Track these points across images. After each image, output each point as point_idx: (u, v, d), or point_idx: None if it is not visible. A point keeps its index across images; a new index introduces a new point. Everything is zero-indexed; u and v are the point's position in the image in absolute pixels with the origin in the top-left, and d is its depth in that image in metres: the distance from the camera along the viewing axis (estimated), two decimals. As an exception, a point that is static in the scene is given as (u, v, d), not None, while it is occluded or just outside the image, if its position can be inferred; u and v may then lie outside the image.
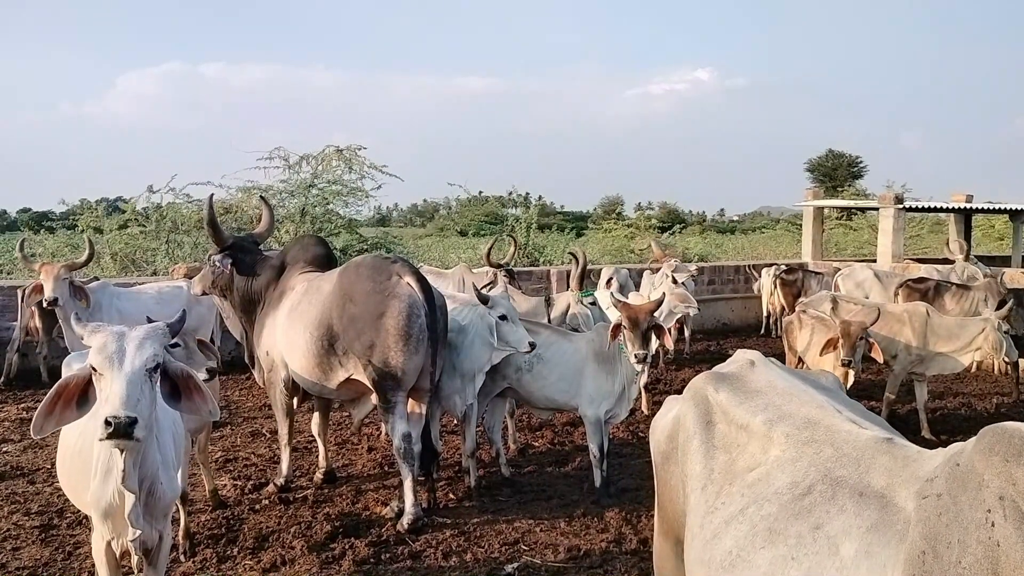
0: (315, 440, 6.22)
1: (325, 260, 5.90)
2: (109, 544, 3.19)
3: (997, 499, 1.52)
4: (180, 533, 4.66)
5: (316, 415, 6.07)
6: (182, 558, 4.60)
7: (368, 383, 5.10)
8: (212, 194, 6.14)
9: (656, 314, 5.53)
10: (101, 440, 2.71)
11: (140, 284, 9.11)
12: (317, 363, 5.21)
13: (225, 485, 5.82)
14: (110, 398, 2.73)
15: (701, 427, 2.37)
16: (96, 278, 9.01)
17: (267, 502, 5.54)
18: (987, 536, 1.50)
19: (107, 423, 2.67)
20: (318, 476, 5.98)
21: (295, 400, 5.79)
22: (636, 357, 5.29)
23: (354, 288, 5.05)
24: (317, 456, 6.14)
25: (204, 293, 6.04)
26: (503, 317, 5.36)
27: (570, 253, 7.39)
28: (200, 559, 4.61)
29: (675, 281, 9.52)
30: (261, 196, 6.92)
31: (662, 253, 10.21)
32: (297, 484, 5.92)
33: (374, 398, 5.22)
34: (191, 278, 8.93)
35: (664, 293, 7.07)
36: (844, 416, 2.18)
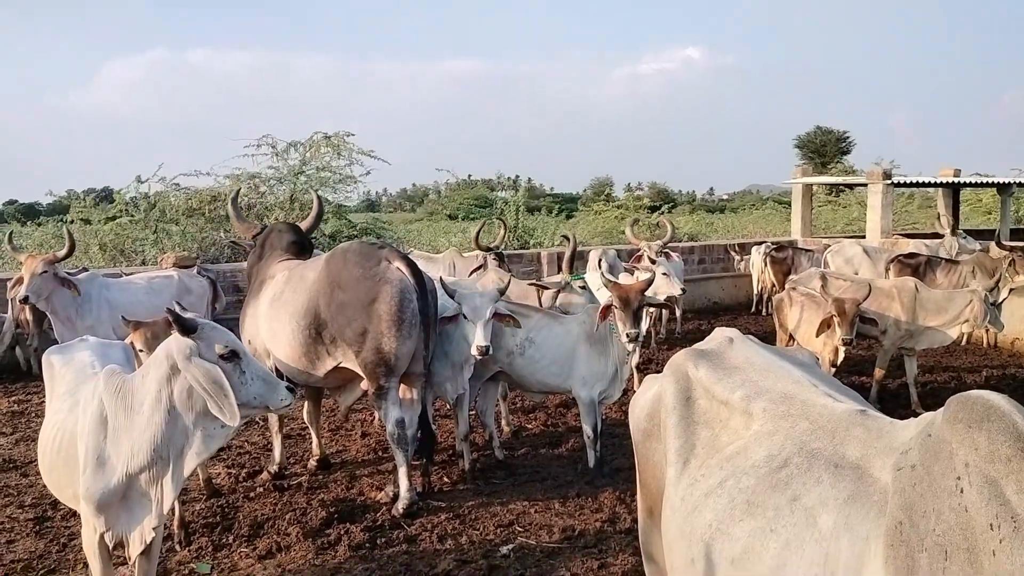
0: (307, 427, 6.23)
1: (300, 247, 5.90)
2: (102, 536, 3.20)
3: (964, 466, 1.56)
4: (175, 522, 4.68)
5: (307, 403, 6.08)
6: (178, 547, 4.62)
7: (360, 370, 5.10)
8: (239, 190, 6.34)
9: (647, 293, 5.55)
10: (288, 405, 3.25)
11: (129, 274, 9.06)
12: (304, 352, 5.21)
13: (219, 474, 5.84)
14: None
15: (682, 403, 2.41)
16: (85, 269, 8.97)
17: (261, 490, 5.56)
18: (957, 503, 1.54)
19: (291, 391, 3.20)
20: (312, 463, 6.00)
21: None
22: (628, 336, 5.31)
23: (342, 275, 5.04)
24: (310, 443, 6.16)
25: None
26: (464, 315, 5.28)
27: (563, 236, 7.38)
28: (196, 548, 4.64)
29: (652, 261, 9.50)
30: (316, 192, 7.04)
31: (636, 238, 10.18)
32: (291, 471, 5.94)
33: (365, 384, 5.22)
34: (181, 267, 8.92)
35: (654, 272, 7.08)
36: (820, 390, 2.22)
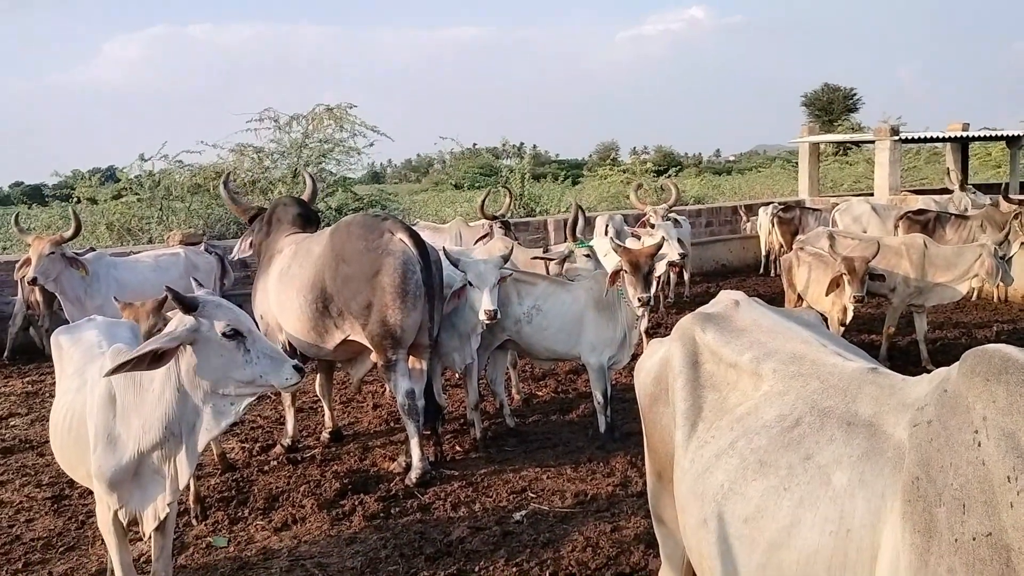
0: (319, 400, 6.25)
1: (306, 220, 5.88)
2: (116, 513, 3.23)
3: (981, 419, 1.55)
4: (191, 497, 4.72)
5: (319, 376, 6.10)
6: (194, 522, 4.67)
7: (367, 342, 5.11)
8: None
9: (656, 257, 5.53)
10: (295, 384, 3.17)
11: (136, 253, 9.07)
12: (312, 326, 5.22)
13: (233, 448, 5.88)
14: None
15: (689, 367, 2.39)
16: (92, 248, 8.98)
17: (275, 463, 5.60)
18: (975, 456, 1.53)
19: (300, 370, 3.15)
20: (325, 435, 6.03)
21: None
22: (640, 300, 5.31)
23: (346, 248, 5.03)
24: (322, 416, 6.19)
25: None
26: (470, 283, 5.27)
27: (576, 205, 7.35)
28: (212, 522, 4.68)
29: (652, 226, 9.42)
30: (306, 170, 7.05)
31: (641, 202, 10.09)
32: (304, 444, 5.98)
33: (374, 357, 5.23)
34: (188, 244, 8.92)
35: (663, 236, 7.05)
36: (829, 350, 2.21)
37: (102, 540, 3.57)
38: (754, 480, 1.98)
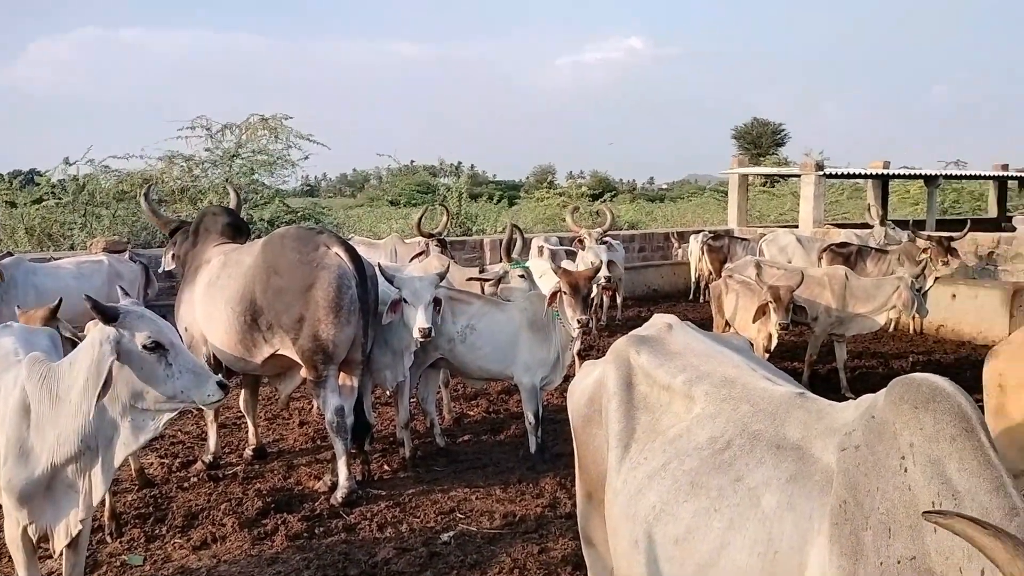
0: (244, 416, 6.10)
1: (236, 230, 5.76)
2: (26, 529, 3.08)
3: (908, 446, 1.60)
4: (106, 514, 4.54)
5: (244, 391, 5.95)
6: (108, 539, 4.49)
7: (297, 357, 5.01)
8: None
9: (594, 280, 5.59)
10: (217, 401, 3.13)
11: (58, 259, 8.73)
12: (240, 339, 5.09)
13: (152, 463, 5.69)
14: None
15: (623, 388, 2.42)
16: (10, 253, 8.61)
17: (196, 480, 5.44)
18: (902, 482, 1.58)
19: (224, 387, 3.10)
20: (248, 452, 5.88)
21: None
22: (579, 323, 5.36)
23: (279, 260, 4.94)
24: (246, 432, 6.04)
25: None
26: (404, 300, 5.23)
27: (513, 225, 7.38)
28: (127, 539, 4.51)
29: (580, 241, 9.51)
30: (230, 184, 6.85)
31: (576, 225, 10.21)
32: (226, 461, 5.82)
33: (303, 372, 5.14)
34: (112, 252, 8.64)
35: (601, 260, 7.13)
36: (759, 374, 2.26)
37: (9, 557, 3.40)
38: (685, 502, 2.00)
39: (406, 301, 5.20)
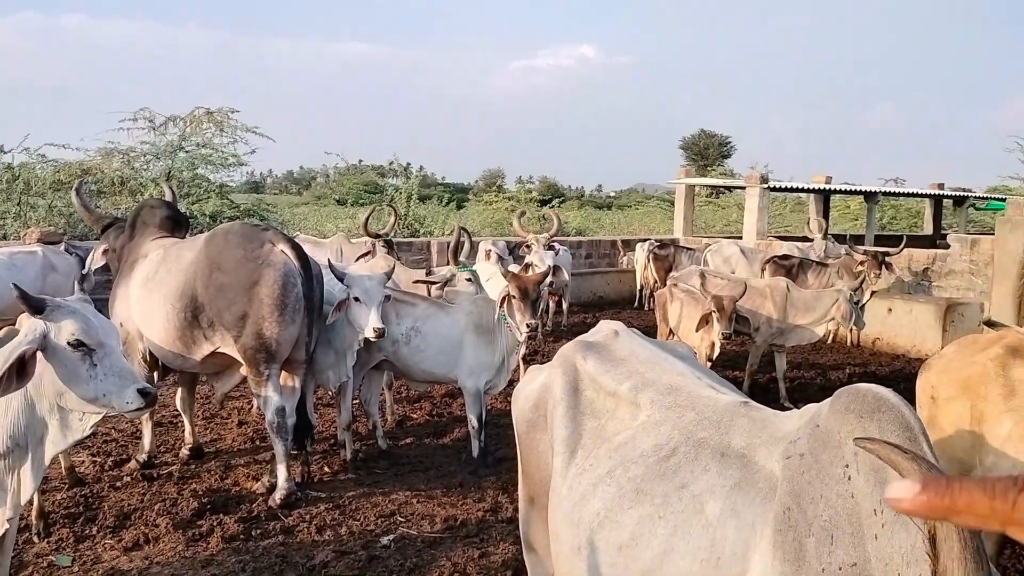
0: (180, 415, 5.96)
1: (175, 224, 5.62)
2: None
3: (853, 455, 1.63)
4: (33, 512, 4.39)
5: (180, 389, 5.81)
6: (35, 539, 4.34)
7: (239, 356, 4.91)
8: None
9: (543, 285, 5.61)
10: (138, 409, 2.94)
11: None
12: (179, 336, 4.96)
13: (83, 461, 5.52)
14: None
15: (569, 394, 2.42)
16: (-65, 242, 8.28)
17: (129, 479, 5.29)
18: (845, 490, 1.61)
19: (145, 393, 2.90)
20: (184, 452, 5.74)
21: (156, 374, 5.49)
22: (528, 327, 5.36)
23: (223, 256, 4.83)
24: (183, 431, 5.89)
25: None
26: (356, 298, 5.20)
27: (461, 228, 7.36)
28: (56, 539, 4.36)
29: (527, 247, 9.57)
30: (167, 184, 6.63)
31: (524, 230, 10.25)
32: (161, 460, 5.67)
33: (244, 371, 5.03)
34: (46, 243, 8.36)
35: (550, 265, 7.16)
36: (704, 382, 2.29)
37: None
38: (630, 508, 2.01)
39: (357, 300, 5.14)
